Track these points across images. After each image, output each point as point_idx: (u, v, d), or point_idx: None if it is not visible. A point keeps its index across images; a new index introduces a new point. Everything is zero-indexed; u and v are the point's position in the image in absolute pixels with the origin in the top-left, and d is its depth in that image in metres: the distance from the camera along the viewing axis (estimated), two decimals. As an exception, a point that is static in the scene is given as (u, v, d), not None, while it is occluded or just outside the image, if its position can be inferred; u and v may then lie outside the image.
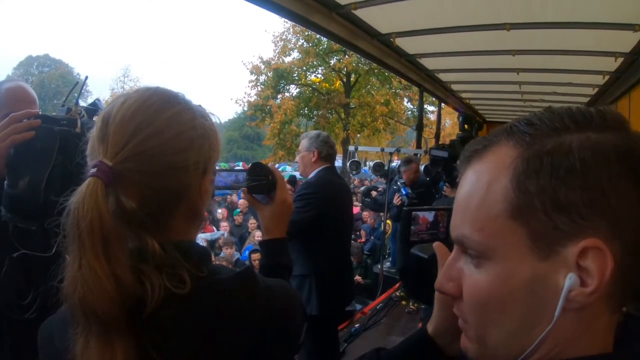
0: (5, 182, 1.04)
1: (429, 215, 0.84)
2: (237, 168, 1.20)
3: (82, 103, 1.26)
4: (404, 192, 5.25)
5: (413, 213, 0.84)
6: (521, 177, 0.47)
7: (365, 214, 8.94)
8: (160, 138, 0.70)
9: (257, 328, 0.73)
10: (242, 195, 1.14)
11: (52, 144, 1.03)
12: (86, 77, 1.44)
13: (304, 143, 3.05)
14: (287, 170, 21.04)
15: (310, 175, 2.99)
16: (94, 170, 0.65)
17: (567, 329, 0.48)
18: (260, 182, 1.12)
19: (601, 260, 0.45)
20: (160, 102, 0.73)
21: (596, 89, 5.63)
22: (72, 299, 0.62)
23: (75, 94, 1.20)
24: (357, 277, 6.84)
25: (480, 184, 0.50)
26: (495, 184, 0.49)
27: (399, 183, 5.45)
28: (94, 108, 1.16)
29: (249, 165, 1.16)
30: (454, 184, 3.98)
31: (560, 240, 0.46)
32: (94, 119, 0.73)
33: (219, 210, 8.59)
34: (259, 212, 1.14)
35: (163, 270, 0.67)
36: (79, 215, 0.62)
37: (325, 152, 3.01)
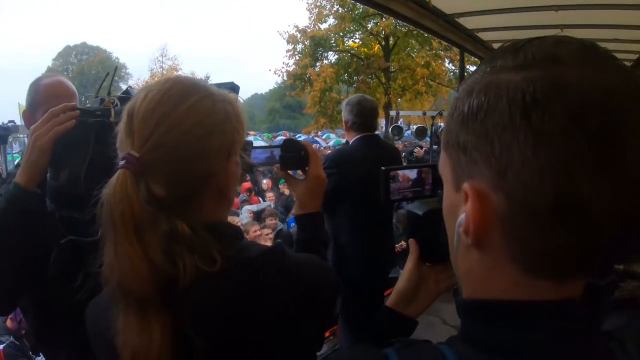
0: (48, 174, 1.12)
1: (411, 173, 0.84)
2: (273, 144, 1.23)
3: (123, 86, 1.34)
4: None
5: (391, 172, 0.84)
6: (450, 113, 0.49)
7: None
8: (180, 128, 0.74)
9: (286, 303, 0.76)
10: (275, 170, 1.16)
11: (88, 136, 1.10)
12: (115, 68, 1.49)
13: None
14: (331, 137, 20.91)
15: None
16: (122, 162, 0.71)
17: (476, 270, 0.49)
18: (293, 157, 1.14)
19: (470, 205, 0.45)
20: (179, 93, 0.76)
21: (646, 45, 5.30)
22: (111, 282, 0.69)
23: (107, 84, 1.23)
24: (403, 243, 6.76)
25: None
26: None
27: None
28: (126, 96, 1.19)
29: (282, 142, 1.17)
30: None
31: (461, 177, 0.47)
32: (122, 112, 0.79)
33: (264, 181, 8.74)
34: (293, 187, 1.16)
35: (195, 250, 0.71)
36: (112, 206, 0.68)
37: (351, 121, 2.76)
